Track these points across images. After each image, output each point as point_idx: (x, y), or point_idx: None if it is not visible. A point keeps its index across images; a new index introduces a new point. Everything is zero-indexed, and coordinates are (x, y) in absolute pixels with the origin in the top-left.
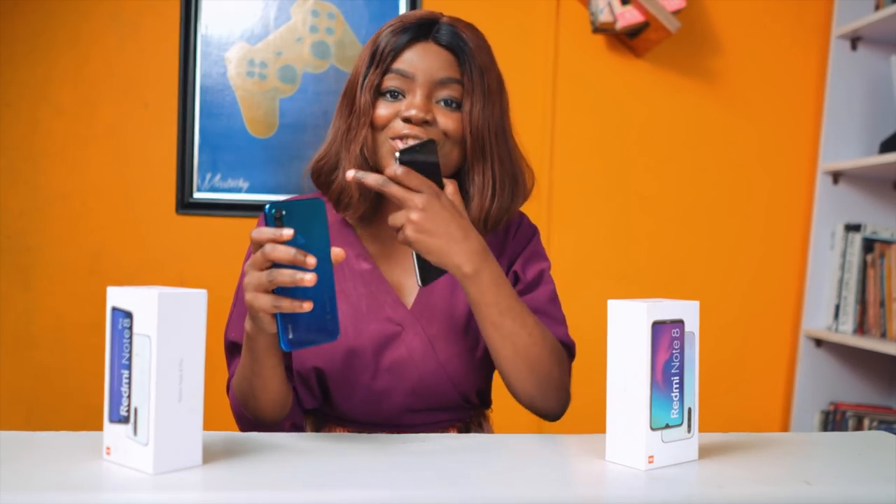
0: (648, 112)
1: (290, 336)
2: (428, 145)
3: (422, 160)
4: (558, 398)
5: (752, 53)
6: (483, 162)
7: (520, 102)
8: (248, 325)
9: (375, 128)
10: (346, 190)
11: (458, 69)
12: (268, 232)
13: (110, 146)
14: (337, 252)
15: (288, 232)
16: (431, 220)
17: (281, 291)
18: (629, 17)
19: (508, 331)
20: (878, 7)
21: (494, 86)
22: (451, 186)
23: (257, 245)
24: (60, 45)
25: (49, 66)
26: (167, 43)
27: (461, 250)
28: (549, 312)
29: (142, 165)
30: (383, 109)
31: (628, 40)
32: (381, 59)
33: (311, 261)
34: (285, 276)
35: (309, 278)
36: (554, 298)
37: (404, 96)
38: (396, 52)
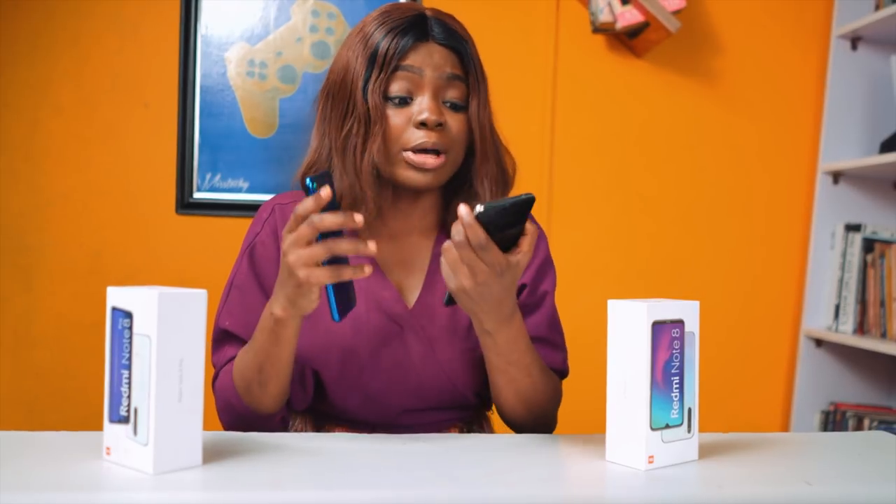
0: (648, 112)
1: (339, 306)
2: (521, 206)
3: (503, 222)
4: (545, 430)
5: (752, 53)
6: (488, 162)
7: (520, 102)
8: (279, 309)
9: (387, 138)
10: (343, 199)
11: (461, 67)
12: (309, 201)
13: (110, 146)
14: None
15: (326, 192)
16: (481, 294)
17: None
18: (629, 17)
19: (512, 377)
20: (878, 7)
21: (485, 79)
22: (525, 246)
23: (300, 220)
24: (60, 45)
25: (49, 67)
26: (167, 43)
27: (491, 317)
28: (550, 339)
29: (142, 165)
30: (395, 118)
31: (628, 40)
32: (385, 62)
33: (359, 218)
34: (345, 245)
35: (373, 247)
36: (556, 322)
37: (412, 99)
38: (402, 55)
